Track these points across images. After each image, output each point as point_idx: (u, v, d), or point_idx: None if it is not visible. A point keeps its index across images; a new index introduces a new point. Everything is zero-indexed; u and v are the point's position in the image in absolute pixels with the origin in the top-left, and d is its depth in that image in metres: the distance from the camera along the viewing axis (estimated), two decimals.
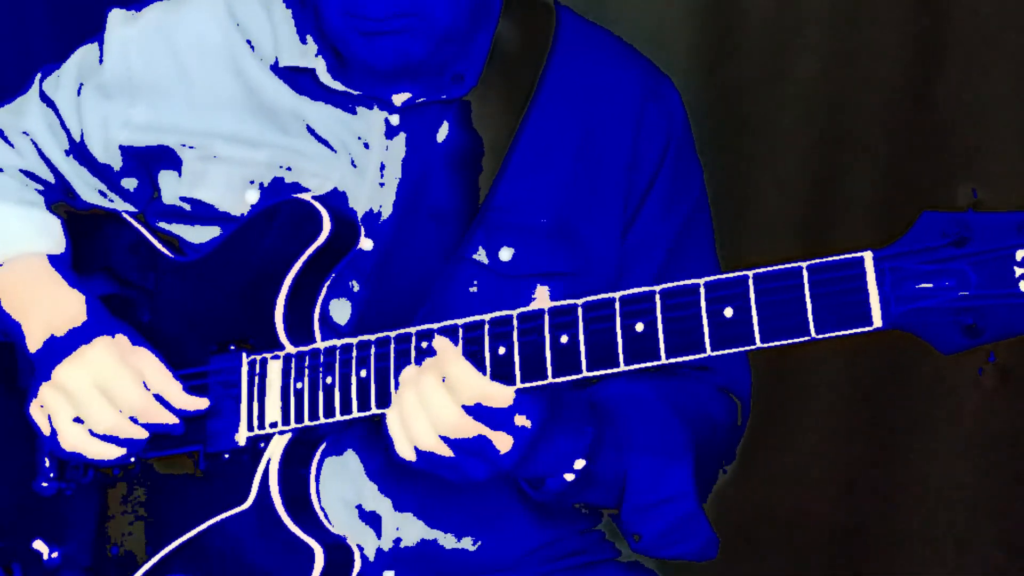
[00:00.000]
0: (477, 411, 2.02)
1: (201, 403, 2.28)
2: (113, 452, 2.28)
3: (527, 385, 2.03)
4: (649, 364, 1.96)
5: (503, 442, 2.05)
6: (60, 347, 2.30)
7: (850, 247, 3.59)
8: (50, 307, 2.38)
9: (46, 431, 2.29)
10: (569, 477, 2.18)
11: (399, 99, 2.37)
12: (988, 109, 3.61)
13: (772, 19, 3.69)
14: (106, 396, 2.25)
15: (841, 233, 3.68)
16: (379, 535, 2.32)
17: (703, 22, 3.70)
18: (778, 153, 3.70)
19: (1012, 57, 3.58)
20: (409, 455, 2.07)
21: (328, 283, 2.28)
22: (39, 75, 2.57)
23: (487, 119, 2.36)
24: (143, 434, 2.27)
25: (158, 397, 2.27)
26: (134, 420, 2.26)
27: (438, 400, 2.02)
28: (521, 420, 2.05)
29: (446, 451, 2.04)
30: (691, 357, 1.93)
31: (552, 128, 2.38)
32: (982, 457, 3.67)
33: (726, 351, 1.91)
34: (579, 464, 2.17)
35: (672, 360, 1.94)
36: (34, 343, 2.36)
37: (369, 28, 2.24)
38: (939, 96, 3.64)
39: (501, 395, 2.02)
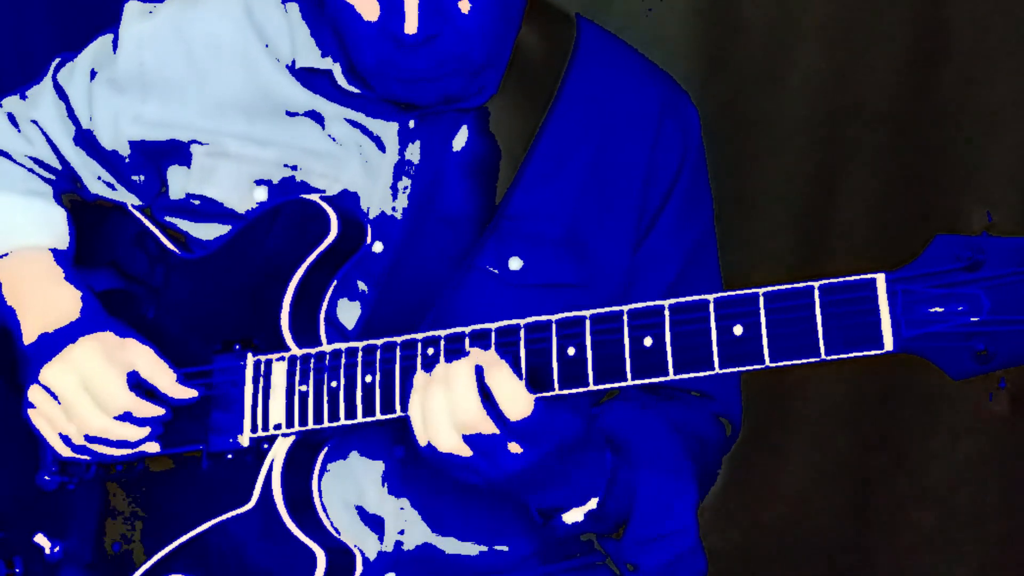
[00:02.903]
0: (500, 417, 2.01)
1: (190, 393, 2.27)
2: (110, 452, 2.28)
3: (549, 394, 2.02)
4: (657, 379, 1.95)
5: (515, 448, 2.03)
6: (49, 345, 2.30)
7: (849, 248, 3.63)
8: (45, 302, 2.38)
9: (48, 436, 2.29)
10: (579, 516, 2.17)
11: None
12: (988, 110, 3.62)
13: (772, 20, 3.69)
14: (93, 398, 2.24)
15: (840, 234, 3.68)
16: (381, 538, 2.32)
17: (704, 23, 3.70)
18: (778, 153, 3.70)
19: (1012, 58, 3.59)
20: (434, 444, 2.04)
21: (334, 285, 2.27)
22: (54, 64, 2.56)
23: (504, 127, 2.35)
24: (136, 433, 2.26)
25: (150, 386, 2.27)
26: (126, 418, 2.25)
27: (463, 398, 1.99)
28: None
29: (464, 451, 2.02)
30: (699, 374, 1.93)
31: (569, 139, 2.37)
32: (983, 472, 3.69)
33: (734, 369, 1.90)
34: (592, 503, 2.17)
35: (680, 376, 1.94)
36: (28, 336, 2.36)
37: (412, 77, 2.24)
38: (939, 97, 3.65)
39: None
